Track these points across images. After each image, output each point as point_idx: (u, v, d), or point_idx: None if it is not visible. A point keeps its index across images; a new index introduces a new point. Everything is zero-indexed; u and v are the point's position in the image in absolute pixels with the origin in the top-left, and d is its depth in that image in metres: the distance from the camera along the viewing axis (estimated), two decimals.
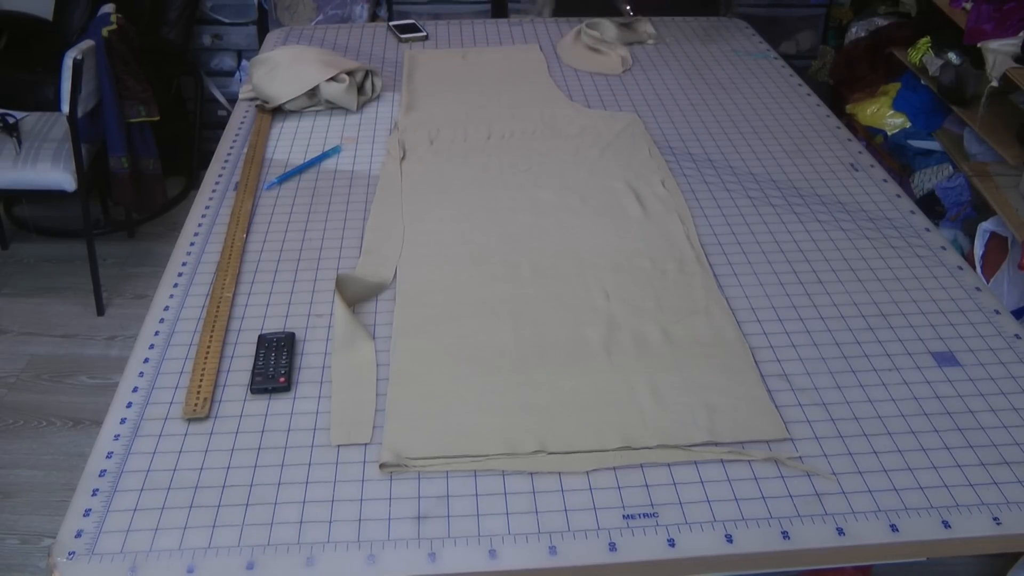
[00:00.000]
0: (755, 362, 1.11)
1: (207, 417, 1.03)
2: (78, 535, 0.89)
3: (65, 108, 2.51)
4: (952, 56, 2.61)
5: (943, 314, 1.20)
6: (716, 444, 0.99)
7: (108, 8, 2.74)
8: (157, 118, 2.78)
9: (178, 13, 3.29)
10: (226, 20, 3.42)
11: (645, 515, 0.92)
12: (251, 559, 0.87)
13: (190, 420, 1.03)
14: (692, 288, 1.23)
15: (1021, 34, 2.47)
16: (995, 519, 0.91)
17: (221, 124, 2.97)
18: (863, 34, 3.02)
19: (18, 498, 2.16)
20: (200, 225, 1.40)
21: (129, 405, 1.05)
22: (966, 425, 1.02)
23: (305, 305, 1.22)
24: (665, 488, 0.95)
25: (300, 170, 1.56)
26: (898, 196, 1.47)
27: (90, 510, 0.92)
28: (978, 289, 1.25)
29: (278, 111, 1.75)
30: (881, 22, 3.02)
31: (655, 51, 2.04)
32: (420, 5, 3.37)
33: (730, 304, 1.21)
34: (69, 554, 0.87)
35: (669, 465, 0.97)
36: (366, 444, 1.00)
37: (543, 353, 1.12)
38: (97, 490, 0.94)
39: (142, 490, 0.94)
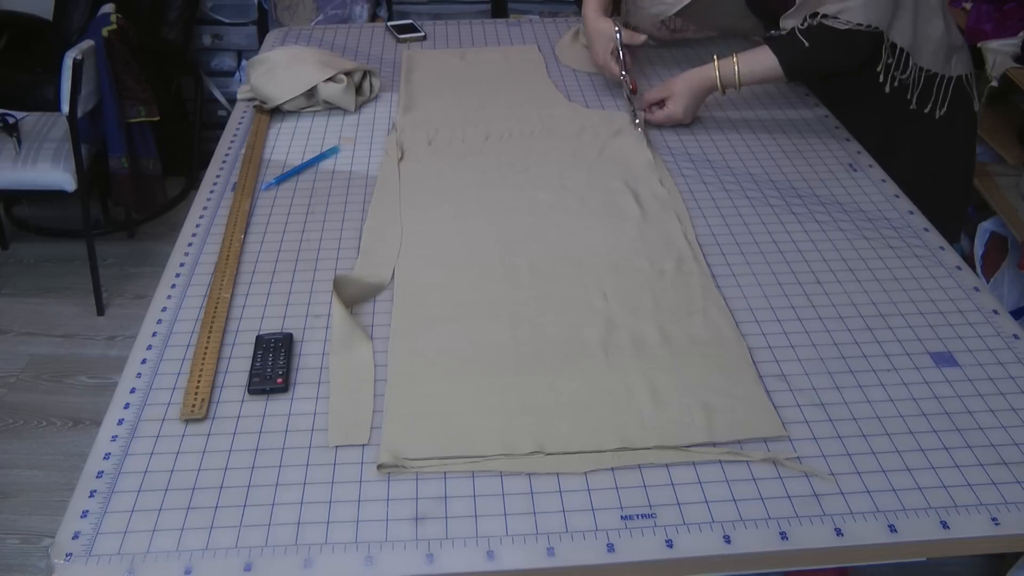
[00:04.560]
0: (752, 361, 1.11)
1: (204, 418, 1.03)
2: (75, 536, 0.89)
3: (65, 108, 2.51)
4: None
5: (941, 314, 1.20)
6: (714, 444, 0.99)
7: (108, 8, 2.74)
8: (157, 118, 2.78)
9: (178, 13, 3.29)
10: (226, 20, 3.42)
11: (643, 516, 0.92)
12: (248, 560, 0.87)
13: (188, 421, 1.03)
14: (690, 288, 1.23)
15: (1021, 34, 2.47)
16: (993, 519, 0.91)
17: (221, 124, 2.97)
18: None
19: (18, 498, 2.17)
20: (198, 226, 1.40)
21: (127, 406, 1.05)
22: (964, 425, 1.02)
23: (303, 306, 1.22)
24: (663, 489, 0.94)
25: (298, 171, 1.55)
26: (896, 196, 1.47)
27: (87, 511, 0.92)
28: (976, 289, 1.25)
29: (276, 111, 1.75)
30: None
31: (654, 52, 2.03)
32: (420, 5, 3.37)
33: (728, 305, 1.21)
34: (67, 556, 0.87)
35: (667, 466, 0.97)
36: (364, 445, 1.00)
37: (541, 354, 1.12)
38: (94, 492, 0.94)
39: (139, 491, 0.94)
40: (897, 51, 1.57)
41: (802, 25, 1.54)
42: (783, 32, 1.59)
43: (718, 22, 1.97)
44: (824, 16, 1.51)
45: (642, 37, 1.75)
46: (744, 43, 1.65)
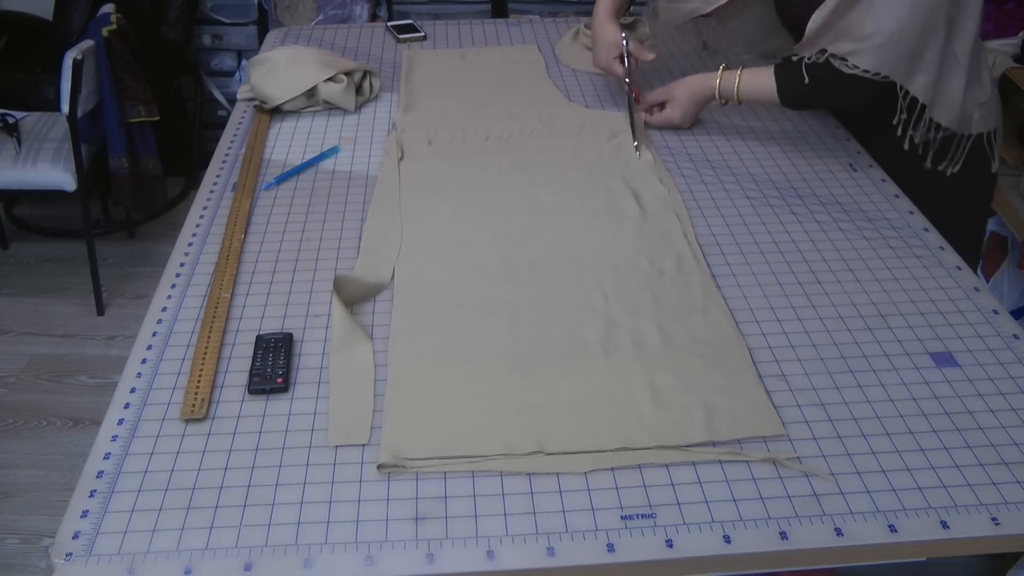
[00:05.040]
0: (752, 361, 1.11)
1: (205, 418, 1.03)
2: (75, 536, 0.89)
3: (65, 108, 2.51)
4: None
5: (941, 314, 1.20)
6: (714, 444, 0.99)
7: (108, 8, 2.74)
8: (157, 118, 2.78)
9: (178, 13, 3.29)
10: (226, 20, 3.42)
11: (643, 516, 0.92)
12: (248, 560, 0.87)
13: (188, 421, 1.03)
14: (690, 287, 1.23)
15: (1021, 34, 2.47)
16: (993, 519, 0.91)
17: (221, 124, 2.97)
18: None
19: (18, 498, 2.17)
20: (198, 226, 1.40)
21: (127, 406, 1.05)
22: (964, 425, 1.02)
23: (303, 306, 1.22)
24: (663, 489, 0.95)
25: (298, 170, 1.56)
26: (896, 196, 1.47)
27: (87, 511, 0.92)
28: (976, 289, 1.25)
29: (276, 111, 1.75)
30: None
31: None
32: (420, 5, 3.37)
33: (728, 304, 1.21)
34: (67, 555, 0.87)
35: (667, 466, 0.97)
36: (364, 445, 1.00)
37: (541, 354, 1.12)
38: (95, 491, 0.94)
39: (139, 491, 0.94)
40: (918, 107, 1.46)
41: (809, 60, 1.46)
42: (795, 58, 1.51)
43: (750, 31, 1.88)
44: (832, 55, 1.42)
45: (651, 55, 1.69)
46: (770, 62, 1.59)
